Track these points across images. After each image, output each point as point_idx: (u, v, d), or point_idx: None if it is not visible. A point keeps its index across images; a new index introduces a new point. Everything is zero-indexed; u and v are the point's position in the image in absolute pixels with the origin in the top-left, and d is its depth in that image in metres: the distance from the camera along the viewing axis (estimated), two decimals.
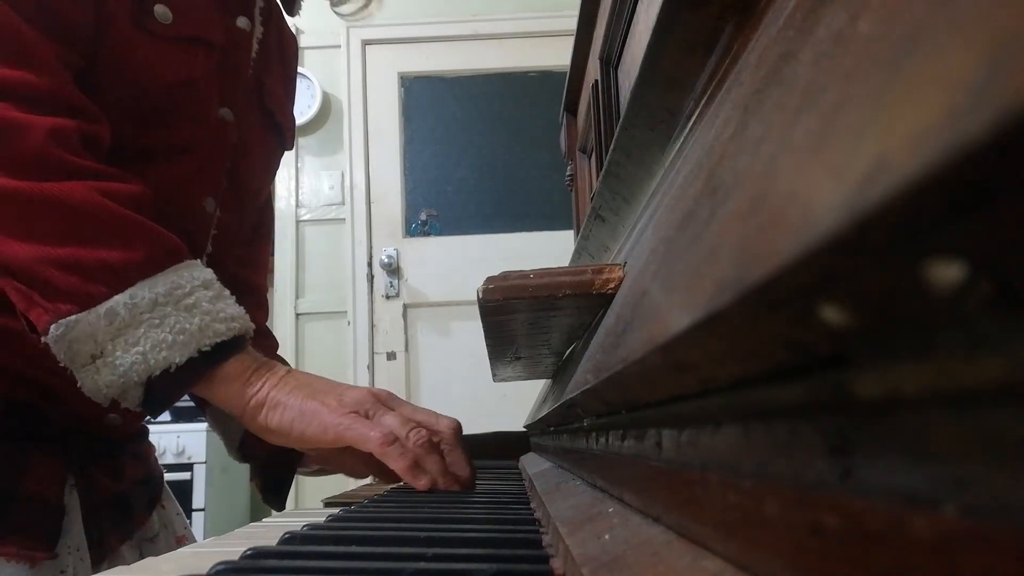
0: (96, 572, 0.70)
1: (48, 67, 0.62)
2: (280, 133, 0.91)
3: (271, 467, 0.84)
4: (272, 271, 2.79)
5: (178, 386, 0.61)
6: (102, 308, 0.59)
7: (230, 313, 0.64)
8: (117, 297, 0.59)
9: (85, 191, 0.60)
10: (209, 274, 0.65)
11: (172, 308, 0.61)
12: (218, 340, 0.62)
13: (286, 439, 0.66)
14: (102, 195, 0.60)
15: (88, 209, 0.59)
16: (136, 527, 0.80)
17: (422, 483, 0.62)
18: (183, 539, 0.87)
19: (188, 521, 0.94)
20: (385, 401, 0.67)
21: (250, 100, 0.82)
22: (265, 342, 1.00)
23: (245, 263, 0.99)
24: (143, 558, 0.78)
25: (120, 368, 0.59)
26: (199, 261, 0.65)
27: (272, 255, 1.12)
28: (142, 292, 0.60)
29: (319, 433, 0.64)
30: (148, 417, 0.72)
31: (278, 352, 1.02)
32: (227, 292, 0.66)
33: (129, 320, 0.59)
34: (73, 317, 0.58)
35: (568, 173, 1.29)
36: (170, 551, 0.80)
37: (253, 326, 0.66)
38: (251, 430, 0.67)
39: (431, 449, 0.63)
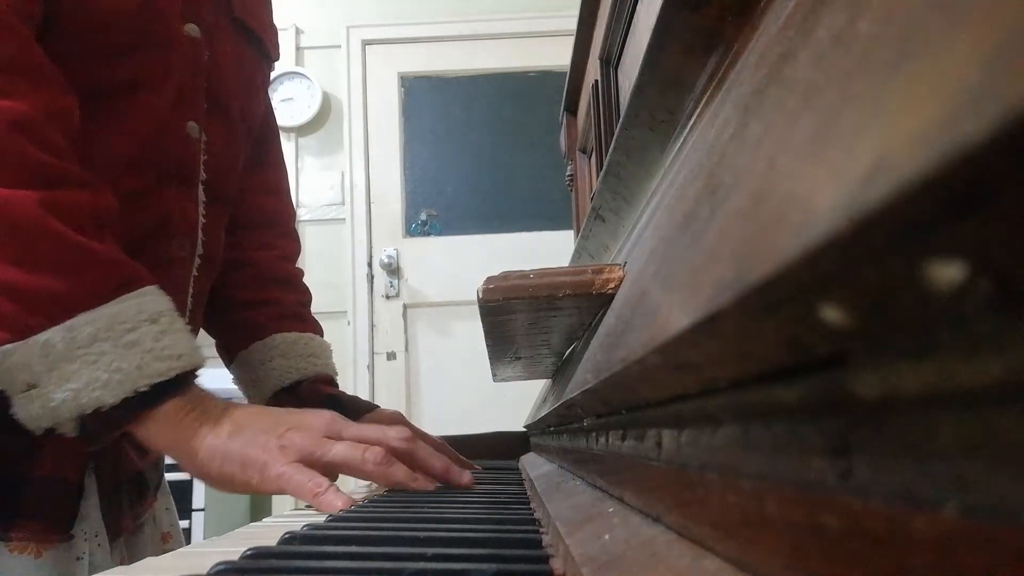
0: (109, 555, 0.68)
1: (9, 29, 0.58)
2: (258, 44, 0.85)
3: None
4: None
5: (110, 426, 0.58)
6: (40, 338, 0.55)
7: (175, 350, 0.60)
8: (55, 329, 0.56)
9: (32, 206, 0.55)
10: (161, 305, 0.60)
11: (111, 344, 0.57)
12: (156, 381, 0.58)
13: (230, 488, 0.62)
14: (51, 212, 0.56)
15: (33, 230, 0.56)
16: (145, 510, 0.78)
17: (411, 485, 0.62)
18: (168, 536, 0.84)
19: (179, 519, 0.92)
20: (329, 431, 0.63)
21: (217, 12, 0.77)
22: (296, 296, 0.98)
23: (269, 189, 0.96)
24: (124, 550, 0.75)
25: (51, 403, 0.56)
26: (154, 288, 0.61)
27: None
28: (81, 325, 0.56)
29: (261, 484, 0.60)
30: None
31: (310, 307, 1.00)
32: (179, 324, 0.61)
33: (65, 354, 0.56)
34: (10, 346, 0.55)
35: (568, 173, 1.29)
36: (153, 546, 0.79)
37: (203, 361, 0.62)
38: (192, 475, 0.64)
39: (390, 461, 0.62)
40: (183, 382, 0.60)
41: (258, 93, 0.89)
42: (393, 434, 0.65)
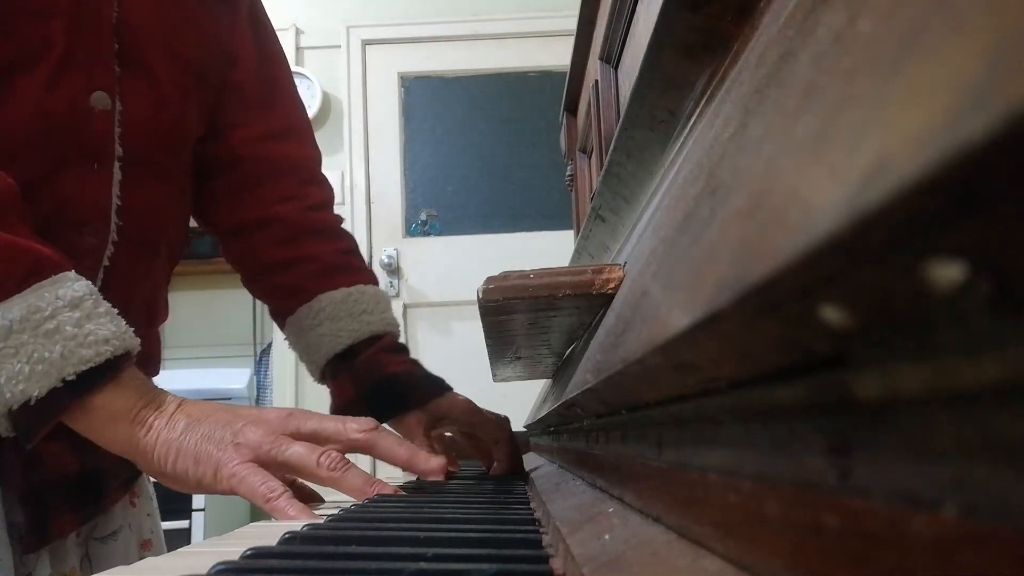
0: (25, 559, 0.64)
1: None
2: None
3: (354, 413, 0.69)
4: None
5: (43, 418, 0.55)
6: None
7: (101, 335, 0.56)
8: None
9: None
10: (80, 289, 0.57)
11: (29, 335, 0.54)
12: (84, 368, 0.55)
13: (184, 486, 0.59)
14: None
15: None
16: (104, 508, 0.73)
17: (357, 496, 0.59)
18: (148, 544, 0.80)
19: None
20: (286, 428, 0.59)
21: None
22: (337, 245, 0.89)
23: (279, 134, 0.87)
24: (88, 557, 0.71)
25: None
26: (70, 274, 0.57)
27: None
28: None
29: (214, 483, 0.58)
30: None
31: (356, 252, 0.91)
32: (102, 309, 0.57)
33: None
34: None
35: (568, 173, 1.29)
36: (128, 554, 0.75)
37: (135, 344, 0.59)
38: (147, 473, 0.60)
39: (345, 467, 0.58)
40: (115, 367, 0.57)
41: (210, 37, 0.79)
42: (354, 426, 0.61)
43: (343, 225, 0.97)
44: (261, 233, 0.88)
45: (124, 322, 0.59)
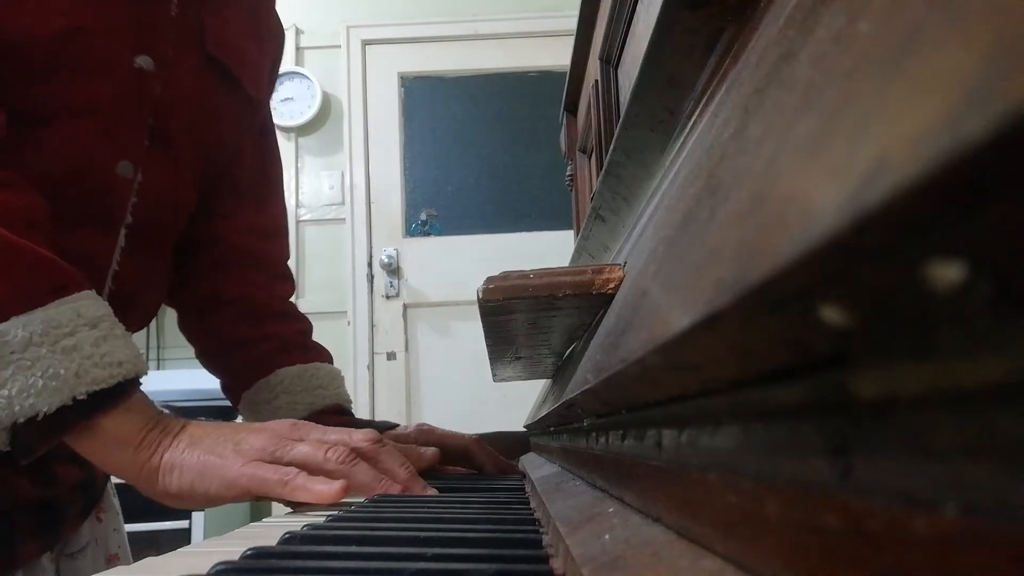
0: None
1: None
2: (236, 83, 0.79)
3: None
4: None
5: (46, 435, 0.54)
6: None
7: (116, 357, 0.57)
8: None
9: None
10: (100, 309, 0.58)
11: (47, 349, 0.53)
12: (96, 388, 0.55)
13: (190, 501, 0.60)
14: None
15: None
16: (66, 534, 0.74)
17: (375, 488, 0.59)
18: (115, 558, 0.81)
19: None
20: (290, 435, 0.60)
21: (184, 44, 0.71)
22: (296, 327, 0.93)
23: (263, 232, 0.91)
24: (59, 572, 0.72)
25: None
26: (91, 293, 0.58)
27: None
28: (15, 329, 0.53)
29: (223, 490, 0.58)
30: None
31: (312, 336, 0.95)
32: (119, 331, 0.58)
33: None
34: None
35: (568, 173, 1.29)
36: (97, 569, 0.76)
37: (144, 369, 0.60)
38: (150, 497, 0.61)
39: (354, 462, 0.59)
40: (123, 391, 0.57)
41: (233, 132, 0.83)
42: (359, 436, 0.62)
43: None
44: (227, 310, 0.91)
45: (137, 347, 0.60)
